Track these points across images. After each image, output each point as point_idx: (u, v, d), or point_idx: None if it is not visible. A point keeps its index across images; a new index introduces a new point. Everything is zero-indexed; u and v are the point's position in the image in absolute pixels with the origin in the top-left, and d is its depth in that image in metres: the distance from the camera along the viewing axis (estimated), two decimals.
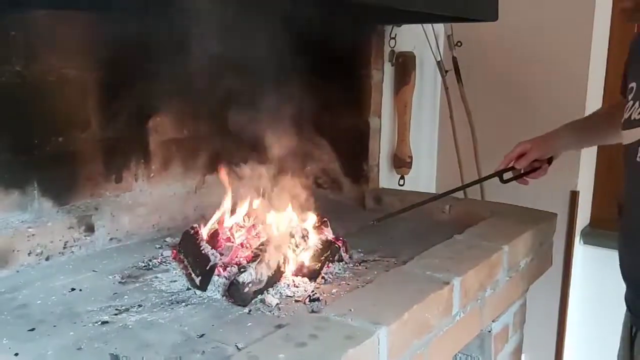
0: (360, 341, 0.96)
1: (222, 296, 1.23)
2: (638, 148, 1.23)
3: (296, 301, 1.24)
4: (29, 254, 1.42)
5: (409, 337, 1.10)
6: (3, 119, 1.35)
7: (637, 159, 1.23)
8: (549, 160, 1.66)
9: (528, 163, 1.64)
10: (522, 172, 1.65)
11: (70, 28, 1.44)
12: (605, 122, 1.60)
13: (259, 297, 1.23)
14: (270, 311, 1.19)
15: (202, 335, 1.09)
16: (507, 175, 1.67)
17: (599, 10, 2.25)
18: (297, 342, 0.96)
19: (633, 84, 1.29)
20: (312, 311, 1.17)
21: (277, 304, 1.21)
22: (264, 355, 0.91)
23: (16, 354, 1.00)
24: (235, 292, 1.20)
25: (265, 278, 1.23)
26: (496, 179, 1.67)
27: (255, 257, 1.26)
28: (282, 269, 1.30)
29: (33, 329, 1.11)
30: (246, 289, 1.20)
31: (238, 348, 1.03)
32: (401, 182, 2.25)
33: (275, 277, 1.27)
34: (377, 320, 1.03)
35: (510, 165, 1.65)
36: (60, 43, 1.42)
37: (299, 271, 1.33)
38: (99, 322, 1.14)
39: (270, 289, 1.26)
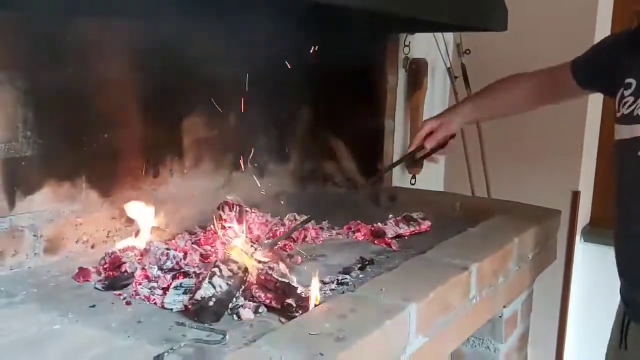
0: (394, 314, 1.09)
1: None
2: None
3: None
4: (76, 242, 1.54)
5: (434, 314, 1.22)
6: (57, 118, 1.46)
7: (639, 154, 1.29)
8: (452, 136, 1.74)
9: (437, 142, 1.70)
10: (430, 150, 1.72)
11: (117, 35, 1.55)
12: (510, 97, 1.71)
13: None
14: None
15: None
16: (419, 154, 1.76)
17: (600, 20, 2.38)
18: (338, 314, 1.08)
19: (632, 80, 1.33)
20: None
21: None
22: (312, 324, 1.03)
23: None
24: (201, 311, 1.14)
25: (225, 288, 1.18)
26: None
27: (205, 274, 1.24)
28: (245, 278, 1.25)
29: (94, 306, 1.22)
30: (210, 303, 1.15)
31: (281, 322, 1.16)
32: (412, 181, 2.38)
33: (240, 285, 1.23)
34: (407, 298, 1.15)
35: (419, 145, 1.72)
36: (107, 49, 1.54)
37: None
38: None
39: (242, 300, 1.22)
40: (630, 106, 1.32)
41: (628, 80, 1.34)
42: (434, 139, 1.69)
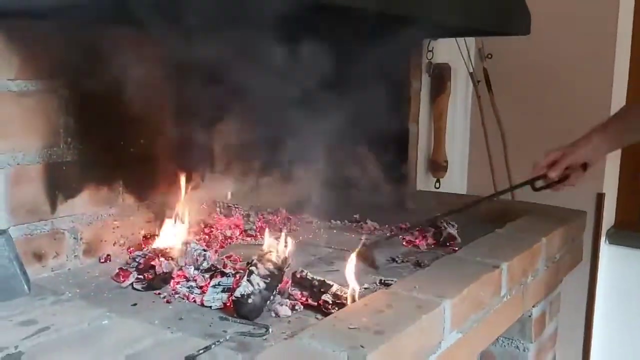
0: (429, 310, 1.11)
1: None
2: None
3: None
4: (113, 244, 1.58)
5: (467, 310, 1.24)
6: (97, 124, 1.51)
7: None
8: (584, 167, 1.67)
9: (561, 171, 1.65)
10: (555, 180, 1.67)
11: (155, 43, 1.60)
12: (624, 123, 1.62)
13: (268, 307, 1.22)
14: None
15: None
16: (539, 183, 1.71)
17: (622, 23, 2.40)
18: (375, 310, 1.11)
19: None
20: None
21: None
22: (351, 318, 1.06)
23: None
24: (241, 308, 1.18)
25: (263, 286, 1.21)
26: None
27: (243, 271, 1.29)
28: (281, 276, 1.28)
29: (135, 304, 1.27)
30: (249, 300, 1.18)
31: (317, 318, 1.19)
32: (437, 185, 2.40)
33: (277, 283, 1.26)
34: (441, 294, 1.18)
35: (542, 173, 1.68)
36: (146, 56, 1.59)
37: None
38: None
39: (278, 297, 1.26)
40: None
41: None
42: (557, 168, 1.65)
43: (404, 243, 1.73)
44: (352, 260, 1.29)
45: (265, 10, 1.44)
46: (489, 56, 2.49)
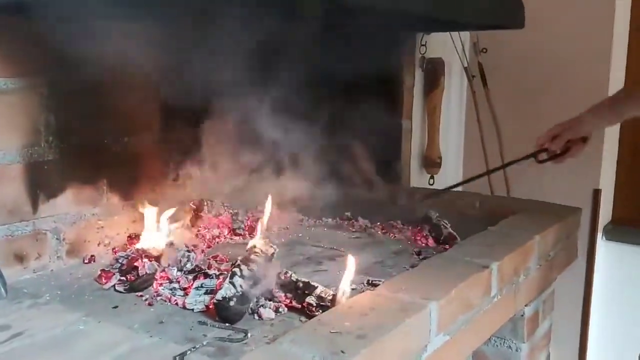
0: (415, 312, 1.08)
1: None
2: None
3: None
4: (98, 245, 1.56)
5: (455, 312, 1.21)
6: (79, 122, 1.48)
7: None
8: (584, 140, 1.74)
9: (562, 144, 1.72)
10: (557, 152, 1.74)
11: (137, 40, 1.56)
12: (630, 99, 1.68)
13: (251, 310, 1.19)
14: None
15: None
16: (542, 156, 1.78)
17: (619, 18, 2.36)
18: (359, 313, 1.08)
19: None
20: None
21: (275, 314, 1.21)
22: (333, 323, 1.03)
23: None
24: (222, 311, 1.15)
25: (246, 287, 1.19)
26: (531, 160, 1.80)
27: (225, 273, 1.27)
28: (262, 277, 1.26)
29: (116, 307, 1.24)
30: (231, 303, 1.15)
31: (301, 321, 1.16)
32: (431, 181, 2.37)
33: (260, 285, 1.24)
34: (427, 296, 1.15)
35: (545, 147, 1.75)
36: (128, 54, 1.55)
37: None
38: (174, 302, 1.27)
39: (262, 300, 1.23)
40: None
41: None
42: (559, 140, 1.72)
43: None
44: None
45: None
46: (484, 50, 2.45)
